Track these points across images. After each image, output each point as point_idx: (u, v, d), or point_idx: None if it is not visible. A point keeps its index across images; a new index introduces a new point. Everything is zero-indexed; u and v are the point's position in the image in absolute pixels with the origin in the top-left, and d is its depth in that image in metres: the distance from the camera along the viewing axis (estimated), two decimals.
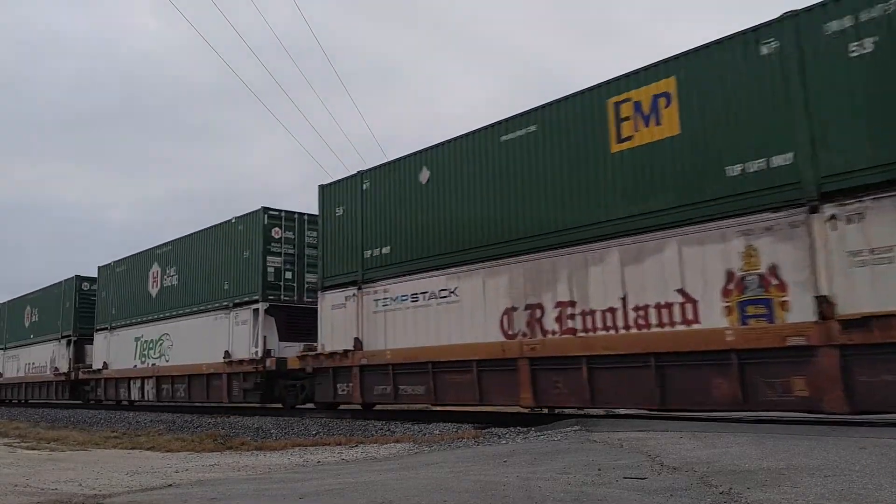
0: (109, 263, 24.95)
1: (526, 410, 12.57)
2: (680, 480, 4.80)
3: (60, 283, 29.00)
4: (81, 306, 27.24)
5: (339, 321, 14.48)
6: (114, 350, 23.92)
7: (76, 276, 27.73)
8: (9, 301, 34.68)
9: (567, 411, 11.75)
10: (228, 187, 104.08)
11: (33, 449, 11.80)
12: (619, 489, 4.65)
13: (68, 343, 27.41)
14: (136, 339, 22.56)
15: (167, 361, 20.72)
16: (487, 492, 4.86)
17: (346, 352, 14.07)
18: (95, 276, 26.71)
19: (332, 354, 14.42)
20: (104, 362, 24.28)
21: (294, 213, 17.88)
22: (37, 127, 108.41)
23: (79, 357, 26.92)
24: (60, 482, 7.16)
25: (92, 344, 26.10)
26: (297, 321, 17.24)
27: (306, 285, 17.62)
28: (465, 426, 11.13)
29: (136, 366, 22.46)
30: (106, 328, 24.54)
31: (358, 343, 13.91)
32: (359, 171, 14.53)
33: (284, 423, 13.88)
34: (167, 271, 21.40)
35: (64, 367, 27.22)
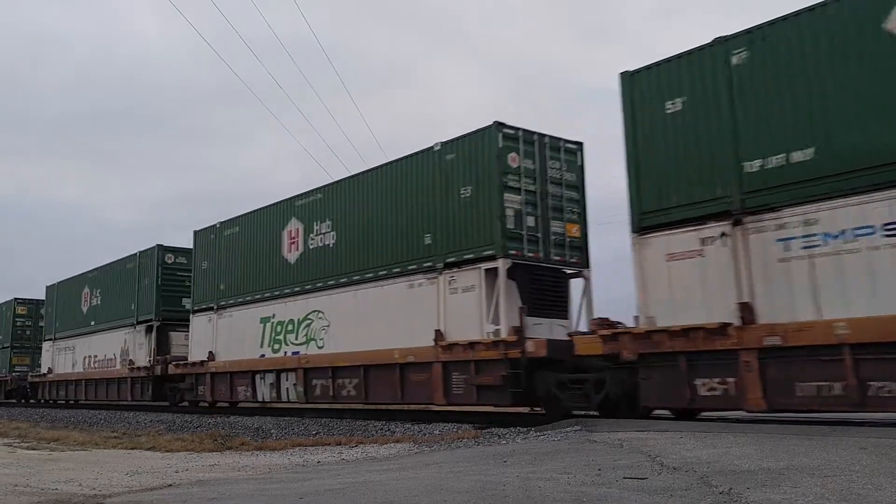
0: (214, 225, 19.53)
1: (526, 410, 12.47)
2: (680, 480, 4.80)
3: (134, 255, 23.33)
4: (165, 284, 21.99)
5: (692, 278, 9.50)
6: (223, 336, 18.58)
7: (158, 245, 22.30)
8: (59, 283, 29.31)
9: None
10: (229, 187, 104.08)
11: (33, 449, 11.79)
12: (620, 489, 4.65)
13: (148, 330, 22.03)
14: (265, 321, 17.15)
15: (321, 348, 15.31)
16: (487, 492, 4.85)
17: (723, 327, 8.94)
18: (178, 246, 22.22)
19: (686, 332, 9.28)
20: (209, 352, 18.77)
21: (533, 132, 12.72)
22: (37, 127, 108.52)
23: (161, 347, 21.77)
24: (60, 482, 7.16)
25: (180, 330, 21.32)
26: (544, 289, 12.57)
27: (552, 237, 12.67)
28: (465, 426, 11.13)
29: (263, 355, 17.05)
30: (210, 308, 19.19)
31: (747, 311, 8.85)
32: (716, 39, 9.50)
33: (284, 423, 13.88)
34: (315, 228, 15.97)
35: (143, 360, 21.98)
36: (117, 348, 23.68)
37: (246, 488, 6.08)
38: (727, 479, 4.73)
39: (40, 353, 31.11)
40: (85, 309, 26.49)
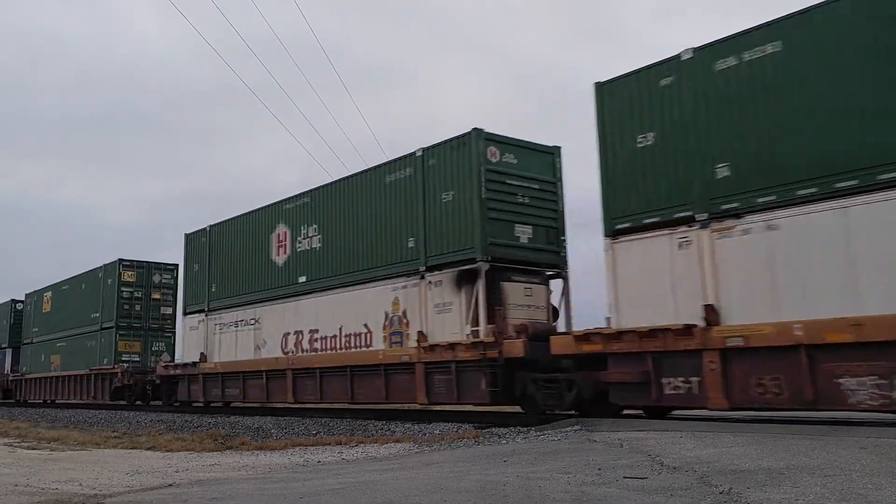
0: (674, 57, 9.44)
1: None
2: (680, 480, 4.80)
3: (410, 155, 13.40)
4: (490, 199, 12.05)
5: None
6: (736, 274, 8.58)
7: (475, 129, 12.20)
8: (213, 226, 19.31)
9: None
10: (229, 187, 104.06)
11: (33, 449, 11.80)
12: (620, 489, 4.65)
13: (461, 279, 12.16)
14: None
15: None
16: (488, 491, 4.86)
17: None
18: (503, 134, 12.53)
19: None
20: (707, 306, 8.74)
21: None
22: (37, 127, 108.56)
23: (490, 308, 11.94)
24: (60, 482, 7.16)
25: (516, 280, 12.18)
26: None
27: None
28: (466, 426, 11.11)
29: None
30: (668, 223, 9.32)
31: None
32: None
33: (285, 423, 13.87)
34: None
35: (448, 333, 12.19)
36: (376, 314, 13.84)
37: (246, 488, 6.08)
38: (727, 478, 4.73)
39: (156, 335, 24.23)
40: (280, 260, 16.89)
